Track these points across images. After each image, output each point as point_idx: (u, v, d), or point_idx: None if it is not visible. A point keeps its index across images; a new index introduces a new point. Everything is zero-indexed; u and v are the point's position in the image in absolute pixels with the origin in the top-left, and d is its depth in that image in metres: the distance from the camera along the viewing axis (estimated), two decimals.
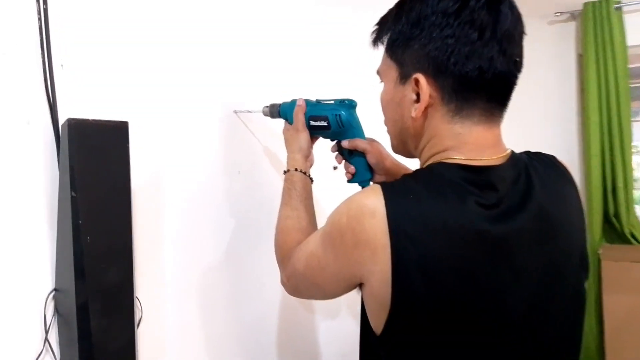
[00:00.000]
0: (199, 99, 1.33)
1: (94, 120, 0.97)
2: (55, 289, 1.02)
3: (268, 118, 1.35)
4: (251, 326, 1.45)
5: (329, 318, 1.75)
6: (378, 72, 0.97)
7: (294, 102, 1.25)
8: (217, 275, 1.35)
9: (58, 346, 1.02)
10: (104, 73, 1.11)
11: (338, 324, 1.78)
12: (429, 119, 0.88)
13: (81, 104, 1.07)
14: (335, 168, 1.63)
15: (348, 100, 1.18)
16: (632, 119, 3.01)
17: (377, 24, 0.94)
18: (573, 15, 3.11)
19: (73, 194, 0.93)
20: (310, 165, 1.25)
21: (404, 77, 0.89)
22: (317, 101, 1.23)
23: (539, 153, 0.95)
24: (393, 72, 0.91)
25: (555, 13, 3.11)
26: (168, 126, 1.25)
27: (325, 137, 1.24)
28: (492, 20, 0.81)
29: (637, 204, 3.19)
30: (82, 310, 0.94)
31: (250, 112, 1.43)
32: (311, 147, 1.25)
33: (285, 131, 1.26)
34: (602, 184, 3.01)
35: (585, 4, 2.98)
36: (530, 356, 0.84)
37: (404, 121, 0.91)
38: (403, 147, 0.97)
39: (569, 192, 0.91)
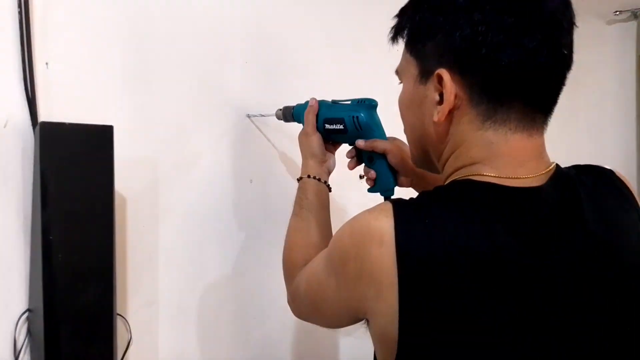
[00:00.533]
0: (206, 102, 1.22)
1: (71, 124, 0.87)
2: (28, 310, 0.93)
3: (283, 122, 1.24)
4: (260, 352, 1.33)
5: (353, 338, 1.61)
6: (397, 72, 0.82)
7: (307, 103, 1.13)
8: (220, 294, 1.23)
9: None
10: (100, 72, 1.02)
11: (362, 344, 1.65)
12: (454, 124, 0.72)
13: (69, 105, 0.98)
14: (362, 177, 1.49)
15: (367, 99, 1.05)
16: None
17: (397, 15, 0.78)
18: (634, 14, 2.87)
19: (44, 206, 0.84)
20: (329, 172, 1.13)
21: (425, 74, 0.74)
22: (333, 102, 1.10)
23: (592, 167, 0.78)
24: (413, 69, 0.76)
25: (615, 12, 2.88)
26: (170, 131, 1.15)
27: (343, 141, 1.11)
28: (535, 2, 0.66)
29: None
30: (52, 335, 0.84)
31: (264, 115, 1.31)
32: (330, 152, 1.13)
33: (299, 135, 1.13)
34: None
35: None
36: None
37: (425, 127, 0.76)
38: (424, 158, 0.82)
39: (629, 216, 0.74)
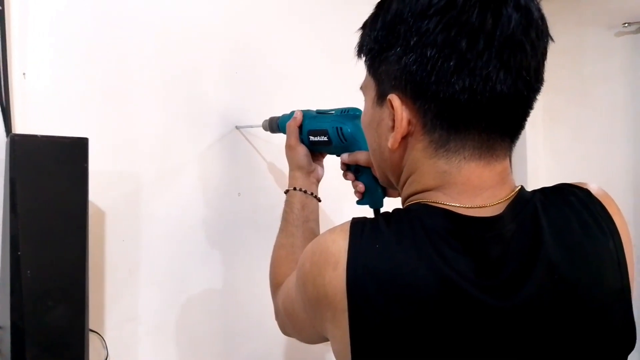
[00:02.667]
0: (192, 114, 1.20)
1: (44, 136, 0.85)
2: None
3: (271, 133, 1.21)
4: None
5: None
6: (361, 88, 0.78)
7: (292, 114, 1.10)
8: (205, 310, 1.20)
9: None
10: (79, 84, 1.00)
11: None
12: (408, 151, 0.69)
13: (46, 117, 0.96)
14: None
15: (352, 109, 1.00)
16: None
17: (360, 28, 0.74)
18: None
19: (12, 221, 0.81)
20: (318, 181, 1.10)
21: (380, 97, 0.70)
22: (318, 112, 1.07)
23: (562, 189, 0.72)
24: (371, 90, 0.73)
25: (623, 24, 2.82)
26: (154, 144, 1.12)
27: (329, 152, 1.08)
28: (489, 24, 0.60)
29: None
30: (19, 354, 0.82)
31: (253, 127, 1.29)
32: (317, 161, 1.10)
33: (285, 147, 1.11)
34: None
35: None
36: None
37: (382, 150, 0.73)
38: (387, 180, 0.79)
39: (598, 242, 0.67)
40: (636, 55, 2.90)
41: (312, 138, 1.05)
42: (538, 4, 0.65)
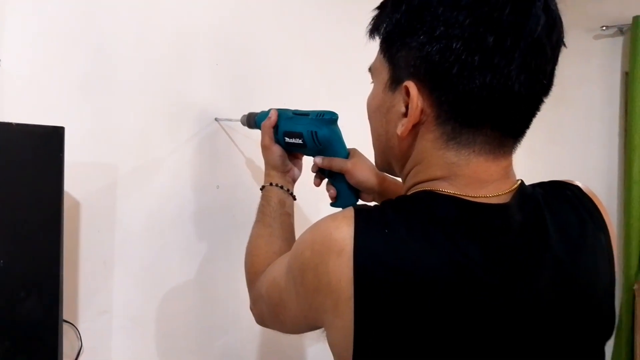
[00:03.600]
0: (171, 105, 1.19)
1: (19, 124, 0.83)
2: None
3: (248, 128, 1.21)
4: None
5: (319, 347, 1.58)
6: (370, 69, 0.77)
7: (269, 112, 1.09)
8: (181, 303, 1.20)
9: None
10: (57, 73, 0.99)
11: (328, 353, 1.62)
12: (418, 140, 0.69)
13: (22, 106, 0.95)
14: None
15: (327, 113, 0.99)
16: None
17: (377, 8, 0.73)
18: (621, 30, 2.87)
19: None
20: (294, 181, 1.10)
21: (395, 82, 0.69)
22: (294, 113, 1.05)
23: (559, 184, 0.75)
24: (384, 73, 0.71)
25: (602, 27, 2.88)
26: (131, 135, 1.11)
27: (304, 154, 1.08)
28: (518, 23, 0.61)
29: None
30: None
31: (231, 120, 1.28)
32: (293, 161, 1.10)
33: (260, 146, 1.10)
34: None
35: (635, 18, 2.75)
36: None
37: (389, 137, 0.73)
38: (388, 167, 0.79)
39: (594, 237, 0.71)
40: (613, 58, 2.96)
41: (287, 139, 1.05)
42: (557, 7, 0.66)
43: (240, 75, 1.34)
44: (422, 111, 0.66)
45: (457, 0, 0.61)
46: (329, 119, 0.99)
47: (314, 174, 1.06)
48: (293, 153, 1.09)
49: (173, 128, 1.19)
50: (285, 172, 1.08)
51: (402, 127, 0.68)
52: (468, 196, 0.66)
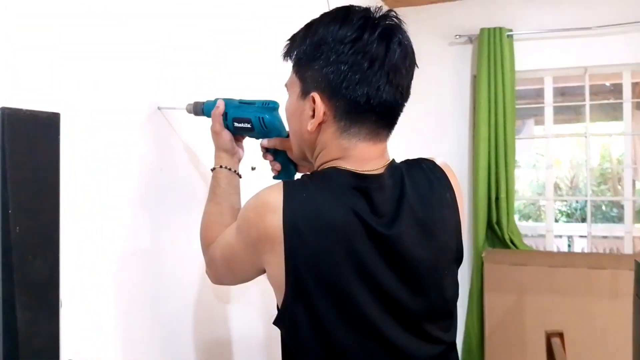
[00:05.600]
0: (122, 93, 1.32)
1: (27, 110, 0.96)
2: None
3: (194, 116, 1.38)
4: (170, 324, 1.47)
5: (245, 306, 1.80)
6: (285, 85, 1.07)
7: (215, 101, 1.29)
8: (137, 273, 1.35)
9: None
10: (31, 61, 1.09)
11: (255, 312, 1.84)
12: (322, 133, 1.00)
13: (7, 93, 1.05)
14: (253, 169, 1.70)
15: (271, 102, 1.23)
16: (516, 136, 3.34)
17: (289, 39, 1.04)
18: (470, 39, 3.37)
19: (4, 183, 0.92)
20: (239, 160, 1.32)
21: (304, 94, 1.00)
22: (240, 102, 1.27)
23: (419, 160, 1.07)
24: (296, 87, 1.02)
25: (455, 35, 3.36)
26: (90, 120, 1.23)
27: (250, 137, 1.30)
28: (382, 53, 0.93)
29: (516, 213, 3.53)
30: (8, 304, 0.93)
31: (175, 109, 1.45)
32: (239, 144, 1.31)
33: (210, 131, 1.30)
34: (487, 194, 3.29)
35: (482, 30, 3.25)
36: (409, 323, 0.97)
37: (302, 133, 1.03)
38: (302, 155, 1.09)
39: (442, 195, 1.03)
40: (464, 63, 3.46)
41: (236, 124, 1.26)
42: (411, 42, 1.00)
43: (182, 65, 1.50)
44: (324, 113, 0.97)
45: (343, 37, 0.94)
46: (272, 106, 1.23)
47: (262, 153, 1.29)
48: (237, 136, 1.30)
49: (121, 115, 1.32)
50: (233, 154, 1.29)
51: (311, 125, 0.98)
52: (357, 170, 0.97)
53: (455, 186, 1.06)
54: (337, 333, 0.91)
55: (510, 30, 3.23)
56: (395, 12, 0.98)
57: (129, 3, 1.32)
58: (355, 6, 0.98)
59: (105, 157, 1.26)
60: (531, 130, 4.86)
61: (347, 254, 0.91)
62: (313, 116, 0.98)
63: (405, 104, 1.02)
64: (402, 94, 0.98)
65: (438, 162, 1.08)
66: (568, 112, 4.79)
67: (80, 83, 1.20)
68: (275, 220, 0.91)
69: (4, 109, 0.93)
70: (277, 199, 0.92)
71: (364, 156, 0.98)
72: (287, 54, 1.04)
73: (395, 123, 1.02)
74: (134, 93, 1.35)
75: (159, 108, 1.45)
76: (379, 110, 0.96)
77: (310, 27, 0.99)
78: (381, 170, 0.98)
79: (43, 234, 0.98)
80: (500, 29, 3.20)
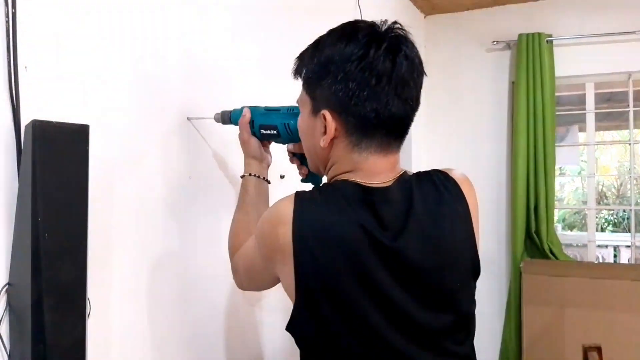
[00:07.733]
0: (153, 105, 1.37)
1: (57, 122, 1.01)
2: (8, 283, 1.04)
3: (220, 124, 1.43)
4: (196, 327, 1.51)
5: (271, 310, 1.83)
6: (297, 102, 1.09)
7: (242, 110, 1.34)
8: (165, 277, 1.40)
9: (9, 340, 1.05)
10: (64, 76, 1.15)
11: (281, 316, 1.87)
12: (334, 148, 1.01)
13: (40, 106, 1.10)
14: (282, 177, 1.73)
15: (296, 108, 1.23)
16: (557, 144, 3.26)
17: (297, 58, 1.05)
18: (508, 45, 3.32)
19: (34, 193, 0.97)
20: (268, 166, 1.36)
21: (315, 111, 1.01)
22: (266, 109, 1.31)
23: (431, 172, 1.06)
24: (307, 105, 1.04)
25: (493, 42, 3.32)
26: (120, 131, 1.28)
27: (277, 142, 1.33)
28: (389, 69, 0.94)
29: (560, 222, 3.44)
30: (37, 306, 0.98)
31: (203, 118, 1.49)
32: (266, 150, 1.36)
33: (239, 139, 1.34)
34: (525, 202, 3.22)
35: (520, 36, 3.20)
36: (418, 335, 0.97)
37: (315, 148, 1.05)
38: (317, 168, 1.11)
39: (452, 208, 1.02)
40: (501, 70, 3.41)
41: (263, 131, 1.30)
42: (417, 52, 0.99)
43: (209, 79, 1.55)
44: (335, 129, 0.98)
45: (349, 55, 0.95)
46: (297, 112, 1.24)
47: (289, 158, 1.32)
48: (264, 142, 1.34)
49: (153, 126, 1.38)
50: (262, 160, 1.33)
51: (323, 142, 1.00)
52: (366, 183, 0.98)
53: (469, 198, 1.04)
54: (344, 343, 0.93)
55: (550, 36, 3.17)
56: (400, 24, 0.98)
57: (159, 18, 1.38)
58: (361, 21, 0.99)
59: (136, 165, 1.32)
60: (576, 137, 4.72)
61: (352, 266, 0.92)
62: (325, 133, 0.99)
63: (416, 113, 1.02)
64: (411, 106, 0.99)
65: (454, 173, 1.06)
66: (613, 118, 4.64)
67: (113, 96, 1.25)
68: (285, 231, 0.93)
69: (34, 121, 0.98)
70: (288, 211, 0.95)
71: (374, 169, 0.99)
72: (297, 73, 1.06)
73: (407, 133, 1.03)
74: (164, 105, 1.41)
75: (188, 118, 1.50)
76: (389, 124, 0.97)
77: (318, 46, 1.01)
78: (390, 183, 0.99)
79: (71, 241, 1.03)
80: (540, 34, 3.14)
